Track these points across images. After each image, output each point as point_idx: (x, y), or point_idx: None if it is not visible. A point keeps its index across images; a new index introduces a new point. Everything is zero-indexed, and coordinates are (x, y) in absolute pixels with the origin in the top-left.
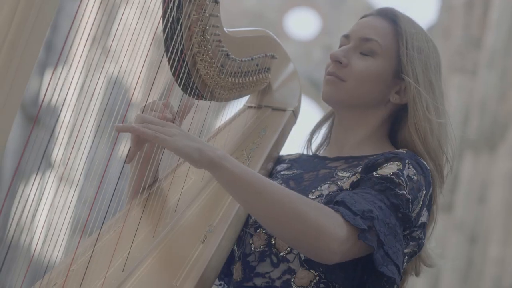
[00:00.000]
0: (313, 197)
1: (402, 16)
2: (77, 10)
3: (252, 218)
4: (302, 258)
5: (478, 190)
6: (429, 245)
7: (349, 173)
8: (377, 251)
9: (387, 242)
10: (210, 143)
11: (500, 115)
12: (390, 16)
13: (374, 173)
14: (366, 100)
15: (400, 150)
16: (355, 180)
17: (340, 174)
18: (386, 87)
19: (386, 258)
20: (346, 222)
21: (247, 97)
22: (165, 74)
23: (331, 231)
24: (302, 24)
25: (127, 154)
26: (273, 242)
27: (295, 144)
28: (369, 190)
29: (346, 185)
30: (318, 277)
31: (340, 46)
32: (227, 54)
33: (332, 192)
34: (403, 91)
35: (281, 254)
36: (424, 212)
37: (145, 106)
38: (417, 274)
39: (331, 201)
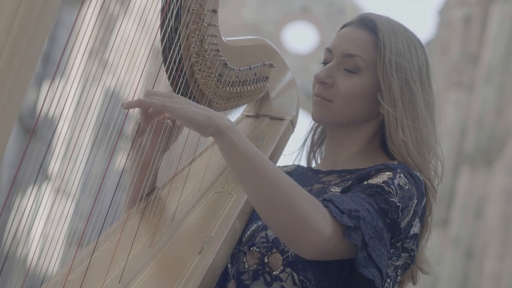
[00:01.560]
0: None
1: (381, 23)
2: (75, 22)
3: (246, 236)
4: (295, 278)
5: (475, 205)
6: (426, 251)
7: (341, 187)
8: (360, 251)
9: (371, 244)
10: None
11: (497, 130)
12: (370, 26)
13: (365, 182)
14: (356, 117)
15: (392, 162)
16: (345, 186)
17: (333, 190)
18: (375, 100)
19: (368, 260)
20: (333, 218)
21: (245, 106)
22: (163, 85)
23: (317, 226)
24: (299, 38)
25: (137, 130)
26: (266, 260)
27: (293, 154)
28: (359, 194)
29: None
30: None
31: (324, 59)
32: (225, 64)
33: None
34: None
35: (274, 273)
36: (417, 223)
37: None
38: (414, 283)
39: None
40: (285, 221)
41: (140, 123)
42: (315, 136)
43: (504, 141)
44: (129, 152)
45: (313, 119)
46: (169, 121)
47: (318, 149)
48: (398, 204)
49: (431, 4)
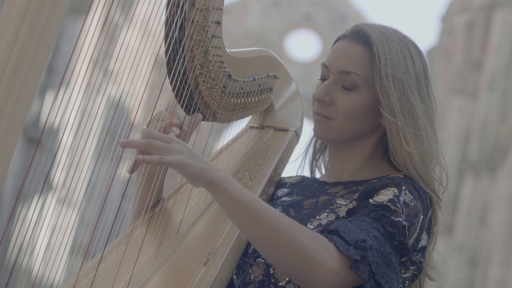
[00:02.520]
0: (312, 226)
1: (375, 36)
2: (80, 32)
3: (252, 247)
4: None
5: (479, 212)
6: (434, 257)
7: (347, 201)
8: (368, 281)
9: (379, 271)
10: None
11: (500, 137)
12: (364, 40)
13: (370, 200)
14: (357, 133)
15: (397, 175)
16: (351, 207)
17: (338, 202)
18: (376, 114)
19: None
20: (339, 252)
21: (249, 117)
22: (167, 95)
23: (324, 264)
24: (302, 46)
25: (132, 165)
26: (271, 272)
27: (295, 161)
28: (364, 218)
29: (343, 213)
30: None
31: (321, 75)
32: (229, 75)
33: (330, 221)
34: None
35: (280, 284)
36: (424, 236)
37: (150, 120)
38: None
39: (325, 230)
40: (292, 262)
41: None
42: (317, 144)
43: (507, 148)
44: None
45: (316, 136)
46: (176, 129)
47: (321, 157)
48: (404, 223)
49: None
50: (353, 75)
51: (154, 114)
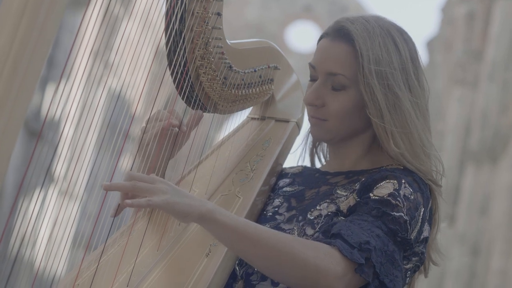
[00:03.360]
0: (312, 217)
1: (356, 31)
2: (80, 25)
3: None
4: None
5: (480, 202)
6: (437, 242)
7: (347, 191)
8: (372, 283)
9: (383, 271)
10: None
11: (501, 127)
12: (346, 37)
13: (371, 195)
14: (353, 130)
15: (396, 167)
16: (352, 204)
17: (339, 192)
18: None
19: (381, 287)
20: (343, 257)
21: (250, 108)
22: (167, 87)
23: (329, 270)
24: (302, 37)
25: (116, 209)
26: (271, 278)
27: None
28: (366, 217)
29: (343, 206)
30: None
31: (310, 76)
32: (230, 66)
33: (330, 212)
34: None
35: None
36: (426, 227)
37: (149, 117)
38: (426, 275)
39: (328, 231)
40: (298, 276)
41: (118, 204)
42: None
43: (508, 137)
44: (134, 159)
45: (314, 138)
46: (176, 129)
47: (319, 146)
48: (405, 218)
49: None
50: (340, 76)
51: (152, 113)
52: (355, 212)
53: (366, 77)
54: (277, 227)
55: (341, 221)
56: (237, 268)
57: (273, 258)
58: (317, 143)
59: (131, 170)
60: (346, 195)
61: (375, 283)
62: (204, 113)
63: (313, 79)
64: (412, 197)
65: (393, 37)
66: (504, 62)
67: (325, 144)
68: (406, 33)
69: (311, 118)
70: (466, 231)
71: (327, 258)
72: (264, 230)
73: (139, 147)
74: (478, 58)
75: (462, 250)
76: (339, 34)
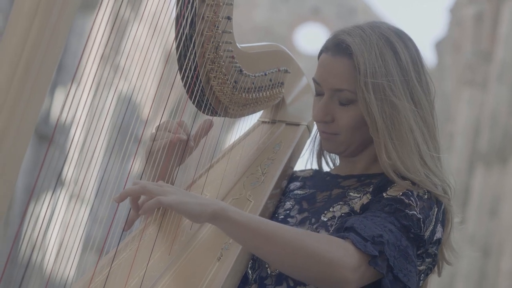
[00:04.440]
0: (326, 218)
1: (355, 44)
2: (91, 29)
3: None
4: None
5: (490, 203)
6: (453, 239)
7: (361, 193)
8: (386, 276)
9: (397, 265)
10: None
11: (511, 128)
12: (346, 51)
13: (384, 194)
14: (364, 140)
15: None
16: (365, 202)
17: (352, 194)
18: None
19: (395, 282)
20: (357, 249)
21: (261, 112)
22: (177, 91)
23: (343, 263)
24: (311, 39)
25: (126, 220)
26: (286, 274)
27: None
28: (379, 213)
29: (357, 206)
30: None
31: (316, 91)
32: (241, 70)
33: (344, 213)
34: None
35: None
36: (439, 228)
37: (159, 125)
38: (439, 275)
39: (341, 228)
40: (313, 270)
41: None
42: None
43: None
44: (144, 167)
45: (327, 151)
46: (184, 135)
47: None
48: (419, 216)
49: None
50: (346, 92)
51: (161, 122)
52: (368, 209)
53: (362, 92)
54: None
55: (354, 217)
56: (249, 271)
57: (287, 253)
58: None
59: (140, 179)
60: (360, 197)
61: (389, 277)
62: (215, 117)
63: (319, 94)
64: (426, 196)
65: (391, 43)
66: None
67: None
68: (407, 37)
69: (322, 133)
70: (476, 232)
71: (340, 250)
72: (277, 226)
73: (148, 156)
74: (487, 59)
75: (472, 251)
76: (339, 48)
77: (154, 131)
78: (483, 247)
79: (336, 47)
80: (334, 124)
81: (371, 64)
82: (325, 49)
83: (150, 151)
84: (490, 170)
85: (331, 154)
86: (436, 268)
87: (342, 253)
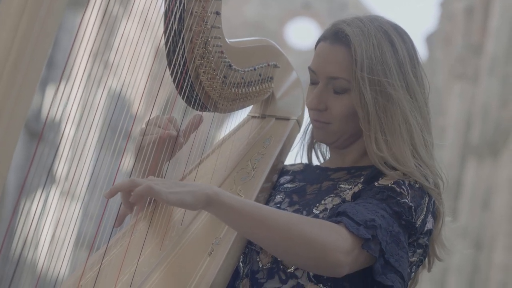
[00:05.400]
0: (318, 211)
1: (353, 34)
2: (79, 25)
3: None
4: (310, 274)
5: (482, 196)
6: (444, 234)
7: (352, 184)
8: (378, 260)
9: (389, 250)
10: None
11: (502, 121)
12: (344, 41)
13: (376, 183)
14: (355, 130)
15: None
16: (356, 191)
17: (343, 186)
18: None
19: (386, 266)
20: (350, 232)
21: (251, 107)
22: (168, 86)
23: (336, 246)
24: (302, 34)
25: (117, 217)
26: (279, 259)
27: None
28: (371, 200)
29: (348, 196)
30: None
31: (310, 80)
32: (230, 65)
33: (335, 205)
34: None
35: (289, 270)
36: (430, 219)
37: (148, 120)
38: (429, 270)
39: (334, 214)
40: (305, 255)
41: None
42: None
43: (509, 131)
44: (134, 163)
45: (318, 141)
46: (174, 131)
47: (317, 143)
48: (410, 204)
49: None
50: (341, 80)
51: (151, 118)
52: (360, 197)
53: (358, 82)
54: None
55: (346, 203)
56: (241, 265)
57: (280, 238)
58: (315, 142)
59: (130, 174)
60: (351, 187)
61: (381, 261)
62: (205, 112)
63: (313, 82)
64: (417, 185)
65: (389, 36)
66: (504, 56)
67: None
68: (404, 32)
69: (314, 122)
70: (468, 225)
71: (333, 234)
72: (271, 211)
73: (138, 150)
74: (478, 52)
75: (464, 244)
76: (337, 37)
77: (144, 126)
78: (475, 240)
79: (335, 35)
80: (327, 113)
81: (368, 54)
82: (323, 38)
83: (140, 146)
84: (482, 163)
85: (322, 148)
86: (426, 263)
87: (335, 237)
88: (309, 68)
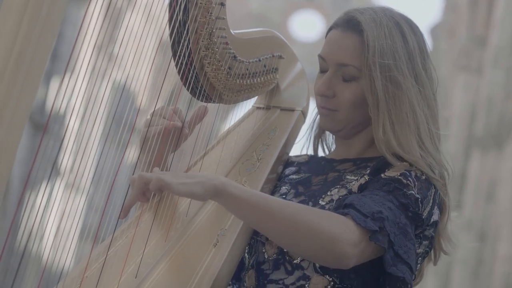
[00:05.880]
0: (324, 202)
1: (366, 22)
2: (83, 18)
3: None
4: (316, 265)
5: (486, 188)
6: (448, 230)
7: (358, 176)
8: (387, 251)
9: (397, 241)
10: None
11: (507, 112)
12: (356, 28)
13: (382, 175)
14: (362, 120)
15: None
16: (363, 182)
17: (349, 177)
18: None
19: (396, 258)
20: (357, 225)
21: (255, 98)
22: (172, 78)
23: (343, 237)
24: (306, 26)
25: (122, 208)
26: (285, 250)
27: (299, 142)
28: (377, 192)
29: (355, 187)
30: (332, 283)
31: (320, 67)
32: (234, 56)
33: (341, 196)
34: None
35: (295, 261)
36: (436, 211)
37: (153, 111)
38: (434, 263)
39: (340, 206)
40: (312, 246)
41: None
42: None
43: None
44: (139, 155)
45: (323, 128)
46: (179, 122)
47: (323, 136)
48: (417, 196)
49: None
50: (350, 67)
51: (156, 109)
52: (366, 189)
53: (369, 69)
54: None
55: (353, 195)
56: (246, 256)
57: (287, 228)
58: (322, 133)
59: (135, 166)
60: (357, 179)
61: (390, 253)
62: (209, 104)
63: (323, 70)
64: (424, 177)
65: (401, 27)
66: (509, 47)
67: (331, 135)
68: (415, 25)
69: (321, 108)
70: (473, 217)
71: (341, 226)
72: (278, 202)
73: (144, 141)
74: (482, 44)
75: (469, 236)
76: (349, 24)
77: (149, 117)
78: (480, 232)
79: (347, 23)
80: (335, 100)
81: (380, 42)
82: (335, 26)
83: (145, 137)
84: (486, 155)
85: (327, 140)
86: (432, 256)
87: (343, 229)
88: (319, 56)
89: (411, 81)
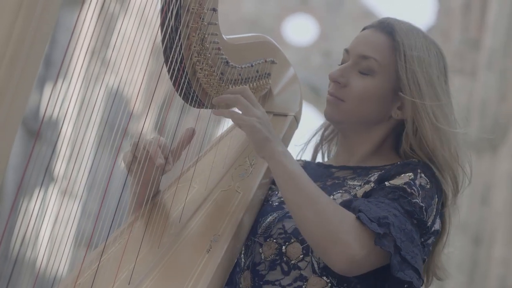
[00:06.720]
0: None
1: (400, 27)
2: (76, 23)
3: (262, 227)
4: (315, 266)
5: (481, 191)
6: (443, 257)
7: (361, 181)
8: (394, 256)
9: (404, 247)
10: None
11: (501, 115)
12: (388, 30)
13: (386, 183)
14: (366, 119)
15: (412, 160)
16: (367, 190)
17: (351, 183)
18: (387, 104)
19: (403, 263)
20: (362, 225)
21: None
22: (165, 84)
23: (348, 240)
24: (299, 30)
25: (129, 156)
26: (284, 250)
27: (297, 149)
28: (382, 199)
29: (359, 193)
30: (330, 284)
31: (342, 60)
32: (227, 62)
33: (345, 200)
34: (404, 106)
35: (292, 262)
36: (437, 220)
37: (138, 140)
38: (427, 287)
39: (347, 206)
40: (319, 233)
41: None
42: (326, 132)
43: (508, 126)
44: (127, 176)
45: (325, 117)
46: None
47: (327, 145)
48: (421, 204)
49: None
50: (371, 60)
51: (140, 140)
52: (371, 196)
53: (407, 62)
54: (286, 216)
55: (359, 199)
56: (242, 257)
57: (306, 207)
58: (325, 141)
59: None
60: (361, 185)
61: (397, 258)
62: (202, 109)
63: (343, 63)
64: (428, 186)
65: (433, 46)
66: (502, 50)
67: (333, 142)
68: (442, 51)
69: (329, 95)
70: (468, 220)
71: (351, 228)
72: (313, 186)
73: (129, 169)
74: (476, 47)
75: (464, 239)
76: (382, 25)
77: (131, 146)
78: (475, 235)
79: (381, 24)
80: (346, 90)
81: (416, 44)
82: (368, 26)
83: (129, 170)
84: (481, 158)
85: (330, 147)
86: (425, 279)
87: (351, 231)
88: (344, 49)
89: (443, 89)
